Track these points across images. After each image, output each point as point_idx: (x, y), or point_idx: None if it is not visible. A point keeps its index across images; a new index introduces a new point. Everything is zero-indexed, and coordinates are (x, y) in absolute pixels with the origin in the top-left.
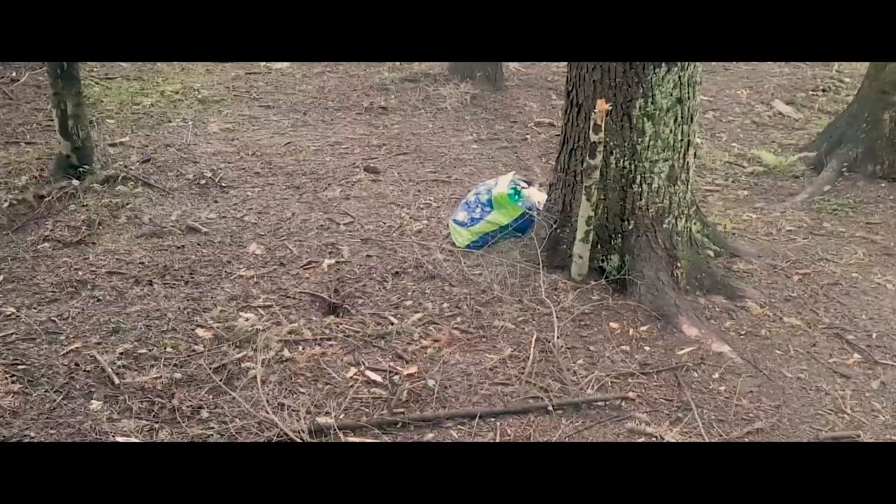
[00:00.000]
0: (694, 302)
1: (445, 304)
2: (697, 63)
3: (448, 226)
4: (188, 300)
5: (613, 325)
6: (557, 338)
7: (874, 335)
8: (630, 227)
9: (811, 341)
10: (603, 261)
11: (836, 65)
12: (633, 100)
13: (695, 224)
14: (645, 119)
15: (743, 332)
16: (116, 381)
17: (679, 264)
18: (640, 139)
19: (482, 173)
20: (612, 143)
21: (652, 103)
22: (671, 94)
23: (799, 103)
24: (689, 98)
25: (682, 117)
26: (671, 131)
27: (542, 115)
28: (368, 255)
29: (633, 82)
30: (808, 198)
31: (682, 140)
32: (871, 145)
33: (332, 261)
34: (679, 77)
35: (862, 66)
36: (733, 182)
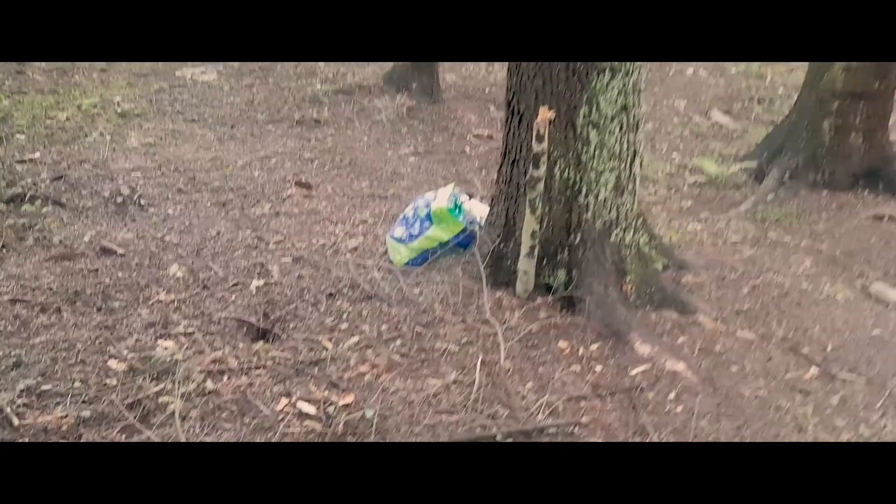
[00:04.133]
0: (645, 317)
1: (384, 327)
2: (641, 69)
3: (385, 243)
4: (100, 329)
5: (562, 344)
6: (504, 359)
7: (829, 348)
8: (576, 241)
9: (766, 356)
10: (549, 276)
11: (769, 75)
12: (576, 108)
13: (642, 236)
14: (590, 128)
15: (697, 349)
16: (16, 421)
17: (628, 278)
18: (584, 149)
19: (420, 187)
20: (556, 154)
21: (597, 111)
22: (616, 102)
23: (735, 113)
24: (634, 105)
25: (627, 125)
26: (617, 140)
27: (480, 126)
28: (300, 276)
29: (577, 89)
30: (751, 207)
31: (627, 149)
32: (812, 154)
33: (261, 282)
34: (624, 84)
35: (795, 77)
36: (676, 193)
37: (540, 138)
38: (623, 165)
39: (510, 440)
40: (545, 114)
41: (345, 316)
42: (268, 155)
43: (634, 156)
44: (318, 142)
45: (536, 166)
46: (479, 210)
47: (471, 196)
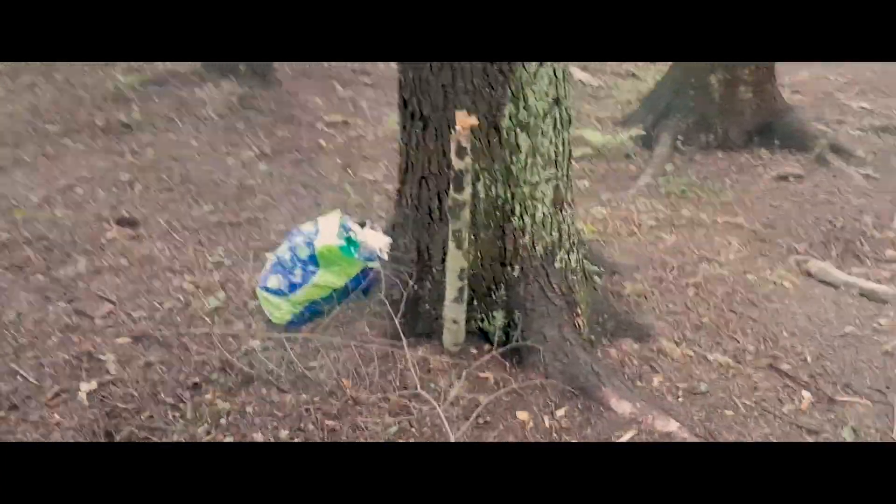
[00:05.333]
0: (606, 357)
1: (284, 432)
2: None
3: (256, 295)
4: None
5: (522, 415)
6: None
7: (808, 358)
8: (515, 274)
9: (751, 384)
10: (482, 320)
11: None
12: (500, 106)
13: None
14: (518, 130)
15: (679, 392)
16: None
17: (579, 310)
18: (514, 157)
19: (280, 204)
20: (478, 167)
21: (525, 108)
22: (547, 95)
23: (592, 67)
24: (566, 96)
25: (561, 122)
26: (551, 142)
27: (330, 111)
28: (148, 364)
29: (499, 82)
30: (651, 181)
31: (563, 151)
32: (702, 113)
33: (93, 384)
34: (554, 70)
35: None
36: None
37: (462, 153)
38: (560, 172)
39: None
40: (466, 120)
41: (223, 420)
42: (71, 184)
43: (570, 158)
44: (134, 155)
45: (459, 189)
46: (377, 240)
47: (363, 224)
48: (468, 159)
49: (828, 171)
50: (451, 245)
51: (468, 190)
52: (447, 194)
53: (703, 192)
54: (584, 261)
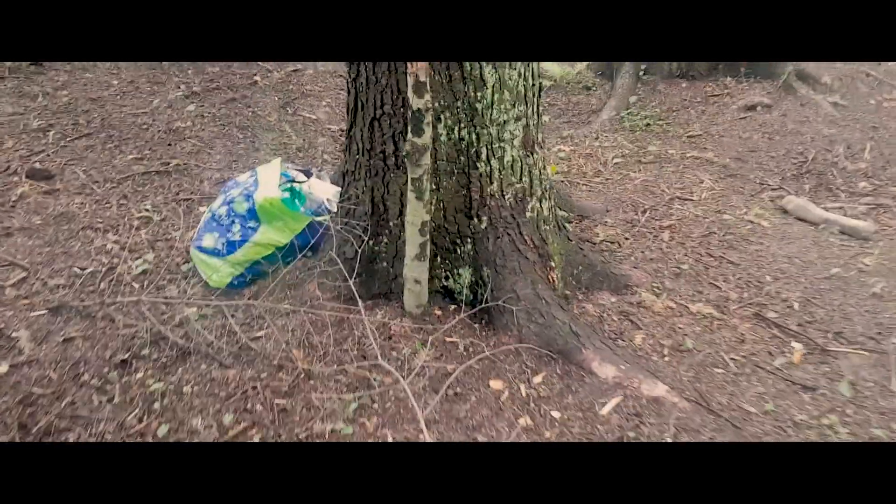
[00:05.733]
0: (584, 314)
1: (227, 416)
2: None
3: (190, 256)
4: None
5: (496, 384)
6: (426, 432)
7: (794, 304)
8: (483, 226)
9: (737, 336)
10: (447, 278)
11: None
12: None
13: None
14: (483, 63)
15: (664, 351)
16: None
17: (553, 264)
18: (479, 93)
19: (212, 148)
20: (439, 105)
21: None
22: None
23: None
24: None
25: None
26: (520, 74)
27: None
28: (67, 339)
29: None
30: (615, 114)
31: (532, 86)
32: None
33: (4, 366)
34: None
35: None
36: None
37: (420, 89)
38: (530, 110)
39: None
40: None
41: (157, 403)
42: None
43: (539, 93)
44: (46, 97)
45: (418, 131)
46: (324, 190)
47: (308, 172)
48: (427, 97)
49: (795, 100)
50: (411, 195)
51: (428, 132)
52: (404, 137)
53: (669, 126)
54: (556, 208)
